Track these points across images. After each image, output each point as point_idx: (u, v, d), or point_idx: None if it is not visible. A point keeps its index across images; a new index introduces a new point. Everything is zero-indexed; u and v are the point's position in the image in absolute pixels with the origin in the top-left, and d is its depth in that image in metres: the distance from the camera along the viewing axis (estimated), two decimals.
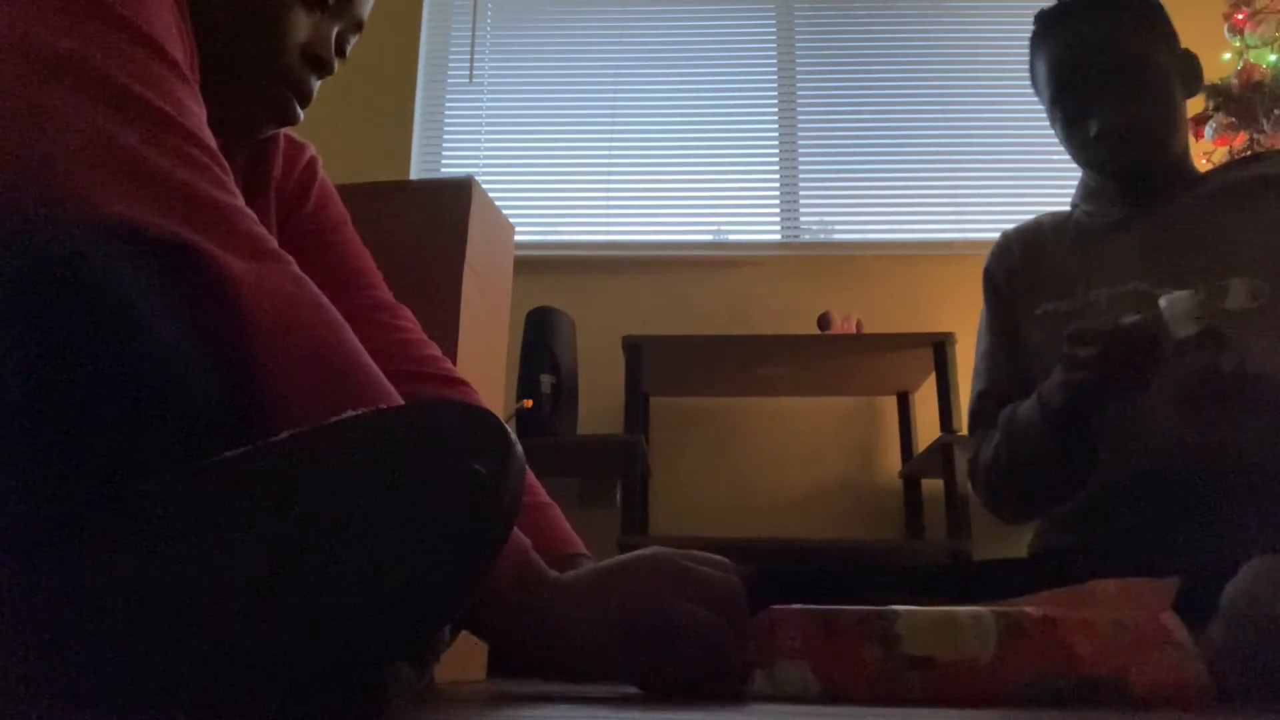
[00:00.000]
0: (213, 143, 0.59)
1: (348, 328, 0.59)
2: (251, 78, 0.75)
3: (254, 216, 0.58)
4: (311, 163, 0.91)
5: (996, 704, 0.62)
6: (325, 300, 0.58)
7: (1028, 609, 0.67)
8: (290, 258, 0.58)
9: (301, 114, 0.79)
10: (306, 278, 0.58)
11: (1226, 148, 2.18)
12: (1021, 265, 1.25)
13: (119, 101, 0.53)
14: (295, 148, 0.89)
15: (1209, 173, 1.16)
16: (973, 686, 0.64)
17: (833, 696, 0.65)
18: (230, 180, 0.59)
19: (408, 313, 0.92)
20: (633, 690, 0.72)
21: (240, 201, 0.58)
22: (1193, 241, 1.10)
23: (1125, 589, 0.70)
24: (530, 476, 0.86)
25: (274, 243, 0.58)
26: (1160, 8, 1.14)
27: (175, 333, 0.49)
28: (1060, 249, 1.22)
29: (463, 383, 0.91)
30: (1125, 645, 0.65)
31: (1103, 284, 1.15)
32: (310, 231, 0.88)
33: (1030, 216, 1.32)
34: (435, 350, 0.92)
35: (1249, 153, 1.38)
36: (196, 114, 0.59)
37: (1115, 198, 1.18)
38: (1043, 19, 1.17)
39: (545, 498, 0.87)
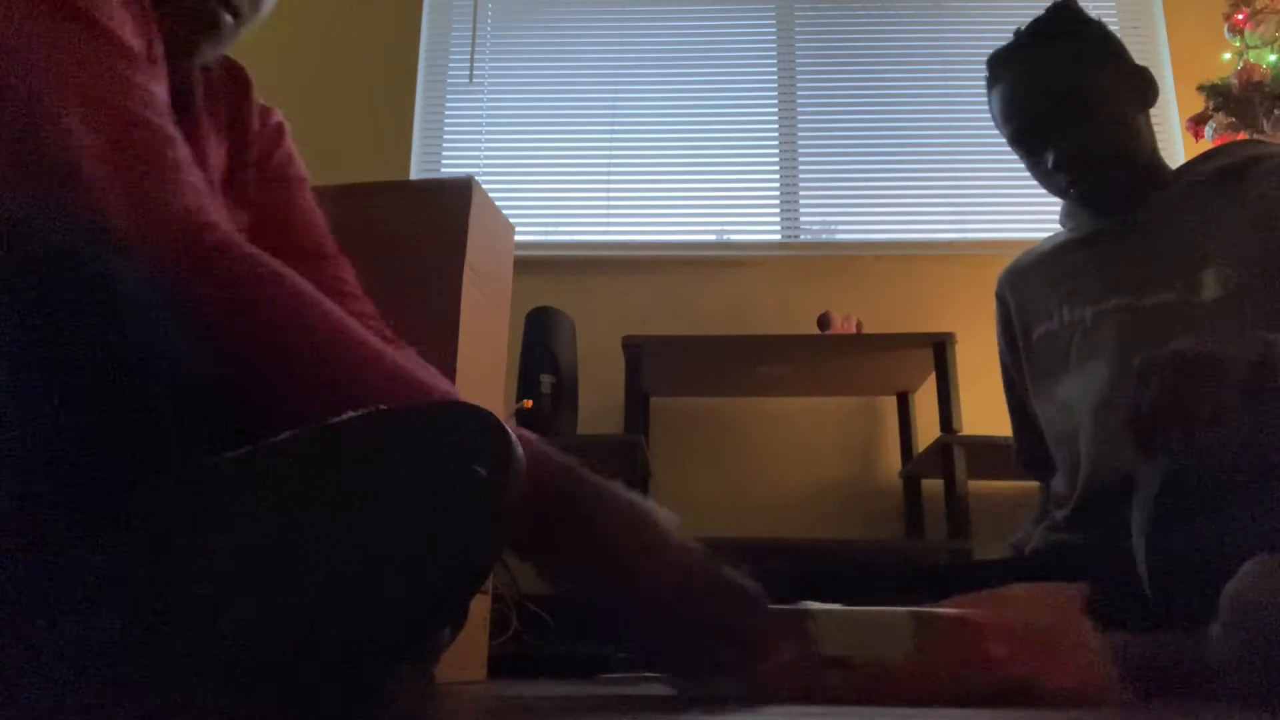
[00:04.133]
0: (160, 116, 0.59)
1: (310, 292, 0.59)
2: None
3: (201, 192, 0.59)
4: (280, 124, 0.93)
5: (912, 704, 0.62)
6: (279, 267, 0.59)
7: (944, 610, 0.68)
8: (239, 240, 0.59)
9: (230, 21, 0.78)
10: (254, 255, 0.59)
11: None
12: (1016, 294, 1.31)
13: (52, 93, 0.53)
14: (265, 109, 0.92)
15: (1177, 170, 1.18)
16: (889, 687, 0.64)
17: (752, 695, 0.65)
18: (176, 149, 0.59)
19: (348, 266, 0.93)
20: (630, 693, 0.72)
21: (187, 174, 0.59)
22: (1164, 243, 1.13)
23: (1037, 593, 0.70)
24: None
25: (217, 219, 0.58)
26: (1100, 32, 1.19)
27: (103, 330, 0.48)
28: (1047, 269, 1.26)
29: (396, 342, 0.90)
30: (1038, 648, 0.65)
31: (1085, 301, 1.17)
32: (274, 180, 0.90)
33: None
34: (370, 308, 0.92)
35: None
36: (141, 88, 0.59)
37: (1089, 213, 1.21)
38: (991, 64, 1.23)
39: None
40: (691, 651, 0.64)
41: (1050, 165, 1.16)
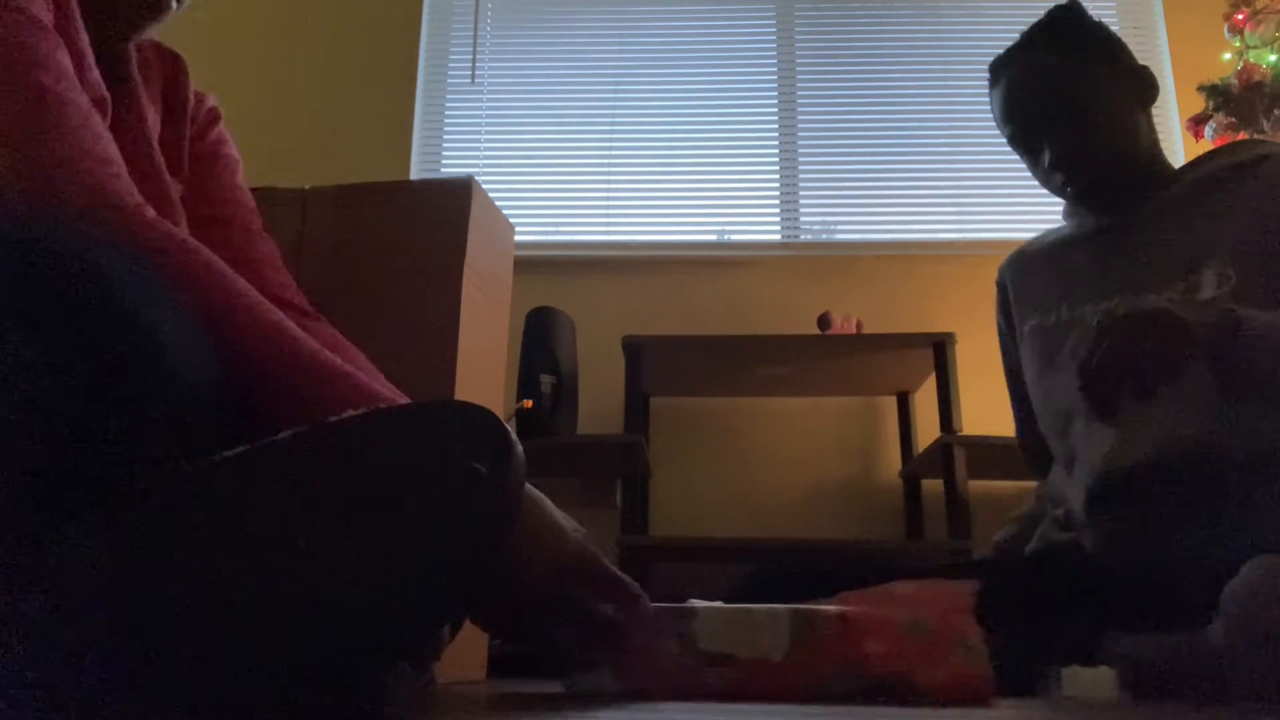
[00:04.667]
0: (72, 90, 0.60)
1: (218, 264, 0.60)
2: None
3: (111, 162, 0.60)
4: (215, 109, 0.96)
5: (792, 701, 0.63)
6: (185, 239, 0.60)
7: (824, 608, 0.69)
8: (147, 214, 0.60)
9: (174, 2, 0.80)
10: (159, 224, 0.59)
11: None
12: (1015, 282, 1.31)
13: None
14: (200, 94, 0.95)
15: (1180, 170, 1.18)
16: (768, 683, 0.65)
17: (634, 694, 0.66)
18: (88, 121, 0.60)
19: (272, 243, 0.95)
20: (630, 691, 0.72)
21: (96, 146, 0.59)
22: (1164, 243, 1.13)
23: (924, 590, 0.72)
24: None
25: (124, 189, 0.59)
26: (1098, 32, 1.19)
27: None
28: (1047, 263, 1.27)
29: (316, 316, 0.91)
30: (917, 645, 0.67)
31: (1086, 300, 1.17)
32: (207, 158, 0.92)
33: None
34: (290, 279, 0.93)
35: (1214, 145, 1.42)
36: (51, 60, 0.60)
37: (1088, 212, 1.22)
38: (992, 68, 1.24)
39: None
40: (565, 644, 0.64)
41: (1047, 164, 1.16)
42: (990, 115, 1.24)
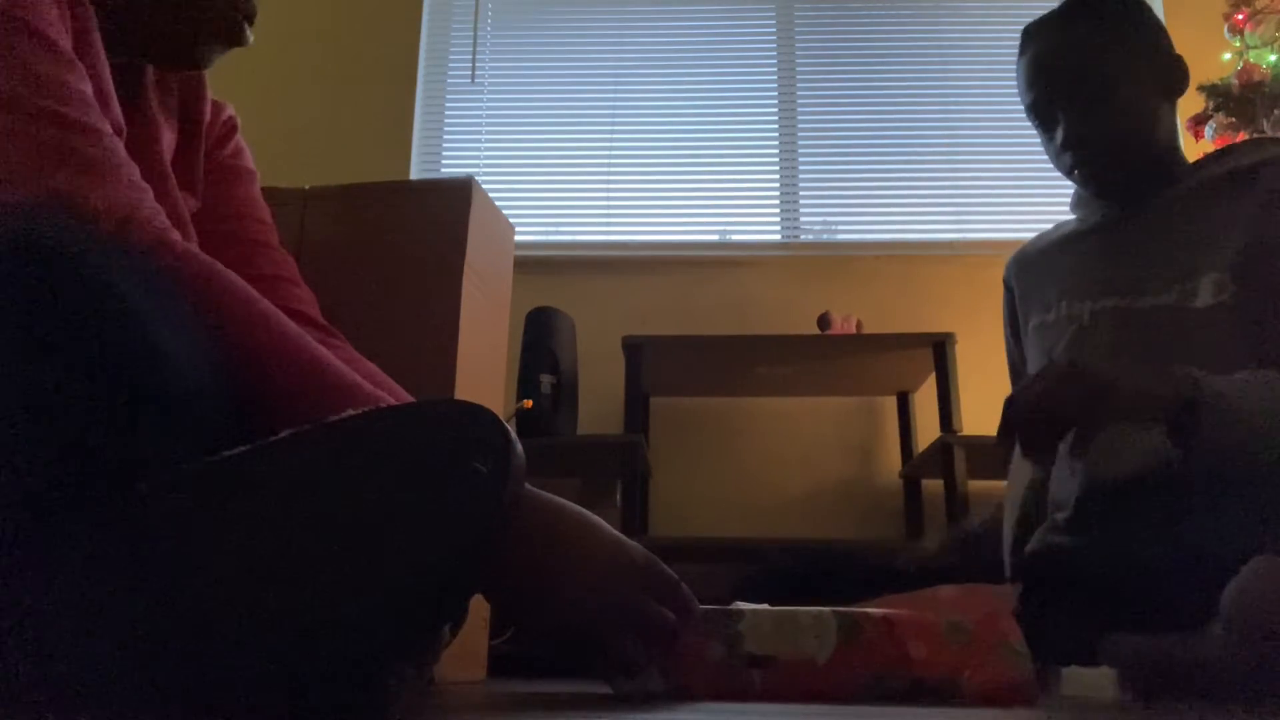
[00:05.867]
0: (89, 114, 0.60)
1: (244, 287, 0.61)
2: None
3: (135, 186, 0.60)
4: (232, 118, 0.95)
5: (835, 701, 0.64)
6: (211, 263, 0.60)
7: (869, 610, 0.69)
8: (171, 237, 0.60)
9: (251, 35, 0.81)
10: (184, 250, 0.60)
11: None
12: (1021, 281, 1.30)
13: None
14: (217, 104, 0.94)
15: (1191, 167, 1.17)
16: (811, 684, 0.66)
17: (679, 695, 0.66)
18: (108, 145, 0.60)
19: (289, 258, 0.95)
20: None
21: (118, 172, 0.60)
22: (1167, 244, 1.11)
23: (966, 594, 0.72)
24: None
25: (149, 214, 0.60)
26: (1136, 14, 1.15)
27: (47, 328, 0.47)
28: (1052, 260, 1.25)
29: (333, 333, 0.91)
30: (960, 647, 0.67)
31: (1084, 297, 1.16)
32: (224, 171, 0.92)
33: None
34: (308, 294, 0.94)
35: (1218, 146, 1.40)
36: (71, 88, 0.60)
37: (1096, 204, 1.20)
38: (1023, 35, 1.20)
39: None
40: (620, 649, 0.64)
41: (1059, 142, 1.13)
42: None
